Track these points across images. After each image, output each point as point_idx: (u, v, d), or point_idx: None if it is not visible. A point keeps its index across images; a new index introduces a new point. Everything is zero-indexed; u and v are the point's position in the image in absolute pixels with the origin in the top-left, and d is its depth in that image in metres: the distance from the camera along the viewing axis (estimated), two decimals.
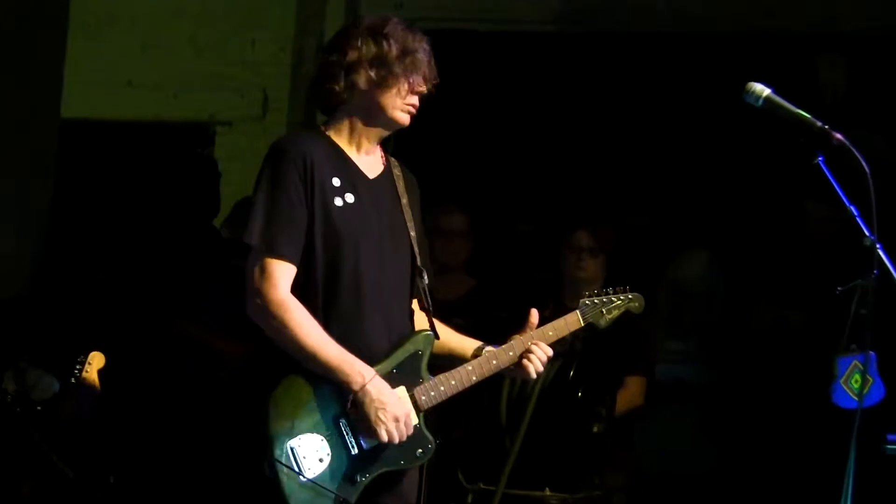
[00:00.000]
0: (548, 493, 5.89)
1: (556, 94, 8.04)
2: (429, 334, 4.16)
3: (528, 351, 4.21)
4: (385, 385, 3.98)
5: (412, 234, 4.19)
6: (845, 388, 4.36)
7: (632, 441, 6.43)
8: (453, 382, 4.12)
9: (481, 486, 5.97)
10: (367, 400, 3.94)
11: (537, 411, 5.83)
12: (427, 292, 4.21)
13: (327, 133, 4.14)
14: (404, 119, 4.13)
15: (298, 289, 3.99)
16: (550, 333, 4.28)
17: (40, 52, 7.53)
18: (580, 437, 5.94)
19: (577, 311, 4.36)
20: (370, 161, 4.18)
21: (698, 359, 6.95)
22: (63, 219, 7.88)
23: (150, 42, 8.75)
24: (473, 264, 6.97)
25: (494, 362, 4.19)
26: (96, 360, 5.47)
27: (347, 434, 3.99)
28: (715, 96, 6.64)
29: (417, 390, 4.08)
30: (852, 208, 3.72)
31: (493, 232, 7.64)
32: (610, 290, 4.42)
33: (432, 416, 4.14)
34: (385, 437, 3.96)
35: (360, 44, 4.06)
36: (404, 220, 4.19)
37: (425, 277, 4.20)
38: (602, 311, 4.39)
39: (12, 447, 5.85)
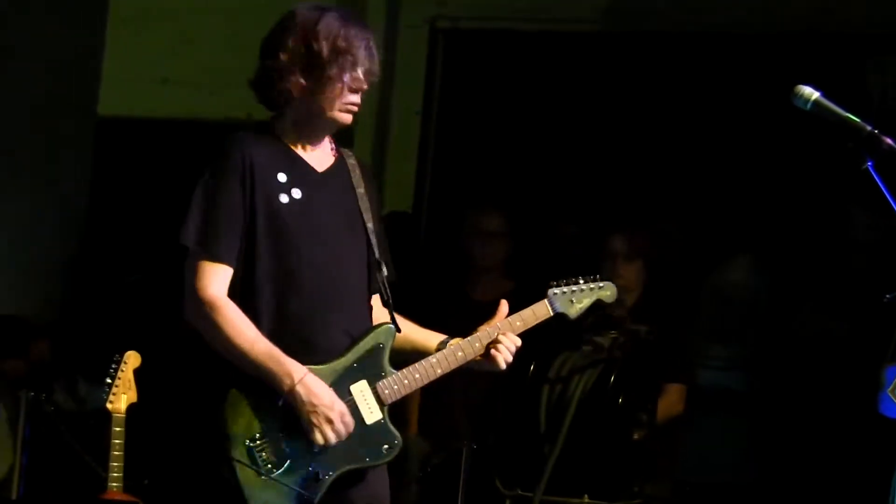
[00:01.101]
0: (586, 500, 5.84)
1: (598, 95, 7.97)
2: (389, 327, 4.03)
3: (496, 342, 4.08)
4: (317, 383, 3.85)
5: (369, 225, 4.07)
6: (893, 397, 4.29)
7: (674, 449, 6.35)
8: (417, 376, 4.01)
9: (519, 492, 5.92)
10: (296, 402, 3.83)
11: (577, 418, 5.78)
12: (386, 285, 4.09)
13: (274, 130, 4.03)
14: (345, 118, 4.02)
15: (242, 292, 3.88)
16: (518, 324, 4.13)
17: (79, 48, 7.53)
18: (620, 444, 5.88)
19: (546, 301, 4.20)
20: (318, 155, 4.07)
21: (741, 365, 6.87)
22: (99, 217, 7.87)
23: (187, 38, 8.73)
24: (512, 266, 6.90)
25: (460, 354, 4.06)
26: (132, 360, 5.45)
27: (304, 433, 3.89)
28: (762, 98, 6.55)
29: (380, 384, 3.97)
30: None
31: (533, 234, 7.57)
32: (580, 277, 4.27)
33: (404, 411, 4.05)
34: (319, 440, 3.85)
35: (290, 45, 3.96)
36: (359, 211, 4.07)
37: (384, 270, 4.08)
38: (571, 301, 4.25)
39: (50, 450, 5.84)
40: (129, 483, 5.36)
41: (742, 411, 6.77)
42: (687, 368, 6.43)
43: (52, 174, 7.33)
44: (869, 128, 3.67)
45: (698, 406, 6.46)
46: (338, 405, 3.87)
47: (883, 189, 3.65)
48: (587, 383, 5.81)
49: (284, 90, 3.94)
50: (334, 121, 4.01)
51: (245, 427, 3.85)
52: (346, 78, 3.94)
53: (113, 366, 5.38)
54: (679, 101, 7.84)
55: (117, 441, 5.27)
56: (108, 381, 5.36)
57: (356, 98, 3.99)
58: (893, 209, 3.65)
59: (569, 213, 7.84)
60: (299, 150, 4.03)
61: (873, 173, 3.65)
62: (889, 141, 3.62)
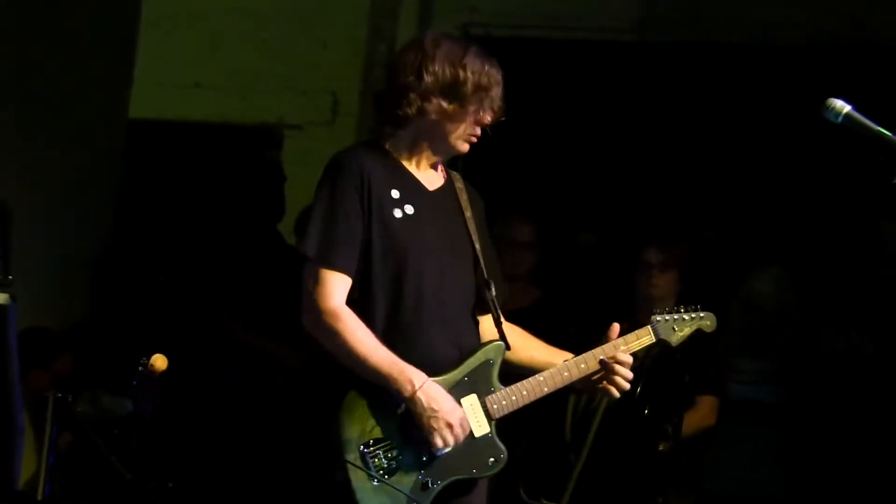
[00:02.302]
0: None
1: (629, 105, 7.95)
2: (500, 344, 4.14)
3: (608, 369, 4.18)
4: (437, 390, 3.97)
5: (477, 245, 4.18)
6: None
7: (701, 462, 6.32)
8: (525, 392, 4.11)
9: (543, 501, 5.89)
10: (417, 408, 3.93)
11: (602, 428, 5.75)
12: (496, 304, 4.18)
13: (387, 147, 4.14)
14: (464, 148, 4.14)
15: (358, 302, 4.00)
16: (623, 348, 4.23)
17: (111, 50, 7.54)
18: (645, 455, 5.85)
19: (649, 326, 4.33)
20: (429, 175, 4.18)
21: (772, 379, 6.83)
22: (128, 219, 7.88)
23: (219, 43, 8.74)
24: (539, 275, 6.90)
25: (566, 374, 4.16)
26: (158, 363, 5.45)
27: (419, 441, 3.99)
28: (793, 110, 6.52)
29: (489, 399, 4.07)
30: None
31: (560, 243, 7.56)
32: (681, 307, 4.40)
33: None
34: (439, 444, 3.95)
35: (436, 69, 4.05)
36: (468, 231, 4.18)
37: (493, 289, 4.17)
38: (674, 328, 4.36)
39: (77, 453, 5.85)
40: (153, 486, 5.36)
41: (771, 425, 6.74)
42: (719, 380, 6.40)
43: (82, 175, 7.33)
44: None
45: (727, 419, 6.43)
46: (458, 411, 3.98)
47: None
48: None
49: (419, 110, 4.04)
50: (454, 148, 4.13)
51: (360, 432, 3.95)
52: (480, 113, 4.07)
53: (139, 367, 5.38)
54: (711, 111, 7.82)
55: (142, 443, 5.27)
56: (134, 383, 5.36)
57: (478, 131, 4.11)
58: None
59: (596, 224, 7.83)
60: (412, 168, 4.14)
61: None
62: None
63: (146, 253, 7.60)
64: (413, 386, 3.92)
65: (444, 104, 4.03)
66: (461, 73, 4.03)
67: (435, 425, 3.93)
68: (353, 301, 4.00)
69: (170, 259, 7.12)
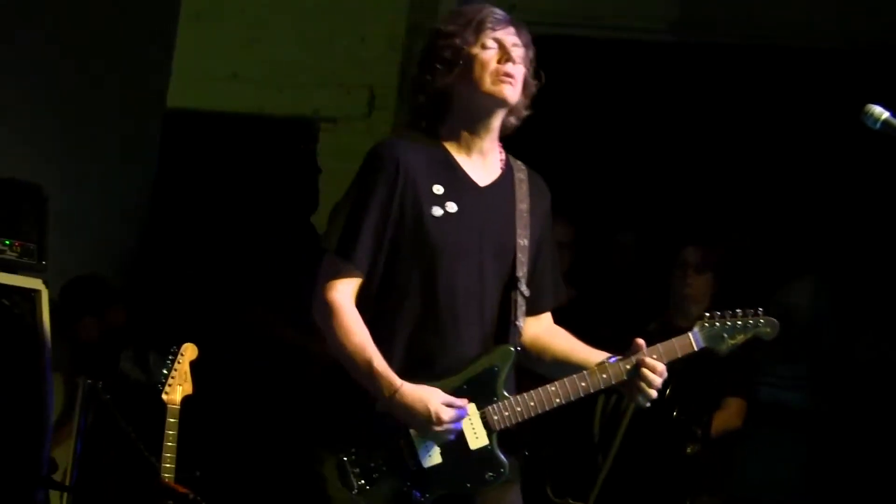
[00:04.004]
0: None
1: (668, 105, 7.91)
2: (508, 349, 3.90)
3: (637, 376, 3.91)
4: (413, 391, 3.75)
5: (519, 242, 3.97)
6: None
7: (730, 465, 6.30)
8: (532, 403, 3.87)
9: (570, 501, 5.89)
10: (396, 412, 3.76)
11: (630, 429, 5.74)
12: (516, 304, 3.95)
13: (441, 137, 3.96)
14: (501, 91, 3.89)
15: (383, 299, 3.87)
16: (655, 356, 3.94)
17: (151, 40, 7.57)
18: (674, 457, 5.83)
19: (690, 334, 4.01)
20: (485, 166, 3.99)
21: (804, 384, 6.80)
22: (164, 207, 7.91)
23: (257, 35, 8.76)
24: (575, 274, 6.88)
25: (583, 384, 3.91)
26: (189, 352, 5.46)
27: (405, 451, 3.82)
28: (833, 115, 6.49)
29: (489, 409, 3.85)
30: None
31: (599, 242, 7.54)
32: (738, 311, 4.05)
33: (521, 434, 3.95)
34: (434, 429, 3.75)
35: (429, 47, 3.94)
36: (514, 228, 3.97)
37: (521, 288, 3.96)
38: (723, 336, 4.02)
39: (105, 435, 5.87)
40: (181, 475, 5.37)
41: (802, 431, 6.72)
42: (746, 382, 6.36)
43: (119, 163, 7.36)
44: None
45: (758, 423, 6.40)
46: (437, 395, 3.76)
47: None
48: None
49: (432, 91, 3.92)
50: (491, 95, 3.89)
51: (341, 440, 3.80)
52: (483, 43, 3.89)
53: (170, 357, 5.40)
54: (750, 114, 7.79)
55: (171, 432, 5.28)
56: (165, 371, 5.37)
57: (508, 67, 3.88)
58: None
59: (629, 221, 7.81)
60: (463, 161, 3.96)
61: None
62: None
63: (180, 244, 7.62)
64: (390, 391, 3.74)
65: (443, 65, 3.88)
66: (445, 31, 3.90)
67: (419, 426, 3.77)
68: (376, 302, 3.85)
69: (204, 250, 7.13)
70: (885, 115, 3.70)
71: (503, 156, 4.04)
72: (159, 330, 6.38)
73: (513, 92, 3.90)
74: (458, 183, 3.92)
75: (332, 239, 3.87)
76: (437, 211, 3.86)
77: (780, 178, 7.67)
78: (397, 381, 3.76)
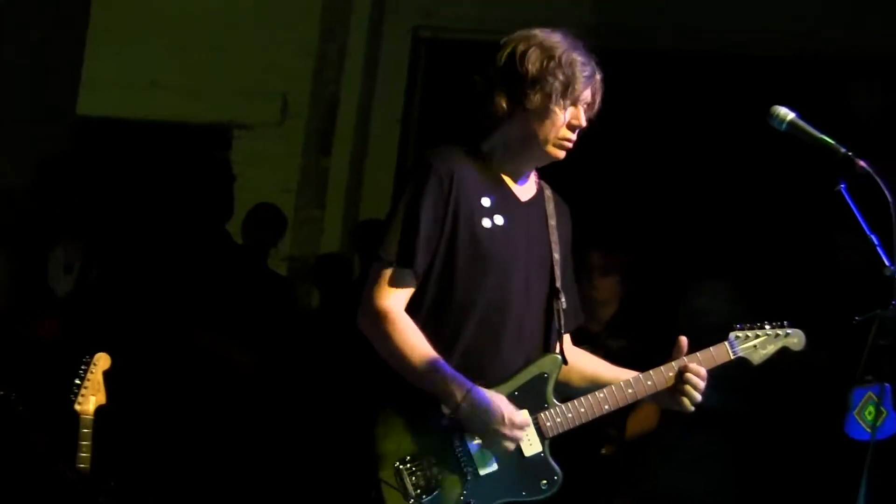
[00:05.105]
0: None
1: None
2: (556, 357, 3.89)
3: (682, 380, 3.98)
4: (483, 394, 3.69)
5: (556, 255, 3.95)
6: (858, 419, 4.28)
7: (645, 466, 6.32)
8: (582, 410, 3.86)
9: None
10: (464, 417, 3.68)
11: None
12: (561, 314, 3.94)
13: (483, 150, 3.90)
14: (557, 155, 3.89)
15: (437, 309, 3.80)
16: (695, 363, 4.03)
17: (57, 49, 7.50)
18: (589, 459, 5.84)
19: (726, 343, 4.10)
20: (525, 184, 3.97)
21: (720, 385, 6.82)
22: None
23: (173, 43, 8.72)
24: None
25: (630, 391, 3.93)
26: (102, 362, 5.41)
27: (461, 458, 3.74)
28: (748, 121, 6.55)
29: (542, 416, 3.82)
30: (873, 237, 3.62)
31: None
32: (766, 323, 4.15)
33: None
34: (505, 447, 3.71)
35: (525, 65, 3.81)
36: (550, 242, 3.96)
37: (562, 300, 3.94)
38: (755, 346, 4.13)
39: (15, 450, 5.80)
40: (96, 485, 5.32)
41: (717, 431, 6.75)
42: None
43: (27, 173, 7.28)
44: (843, 150, 3.67)
45: (672, 424, 6.43)
46: (509, 407, 3.71)
47: (855, 211, 3.65)
48: None
49: (506, 109, 3.82)
50: (546, 154, 3.89)
51: (396, 447, 3.71)
52: (560, 107, 3.83)
53: (82, 367, 5.34)
54: (661, 120, 7.84)
55: (84, 443, 5.23)
56: (77, 381, 5.31)
57: (573, 136, 3.88)
58: (866, 231, 3.64)
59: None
60: (506, 176, 3.92)
61: (846, 195, 3.65)
62: (863, 163, 3.62)
63: (93, 253, 7.55)
64: (457, 396, 3.67)
65: (532, 100, 3.79)
66: (542, 59, 3.81)
67: (489, 430, 3.69)
68: (429, 310, 3.79)
69: (118, 259, 7.06)
70: (791, 116, 3.73)
71: (536, 176, 4.03)
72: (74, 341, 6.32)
73: (565, 154, 3.90)
74: (504, 196, 3.89)
75: (389, 248, 3.76)
76: (487, 223, 3.82)
77: (699, 186, 7.72)
78: (468, 383, 3.69)
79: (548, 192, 4.03)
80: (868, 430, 4.09)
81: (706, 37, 7.97)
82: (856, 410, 4.22)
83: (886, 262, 3.59)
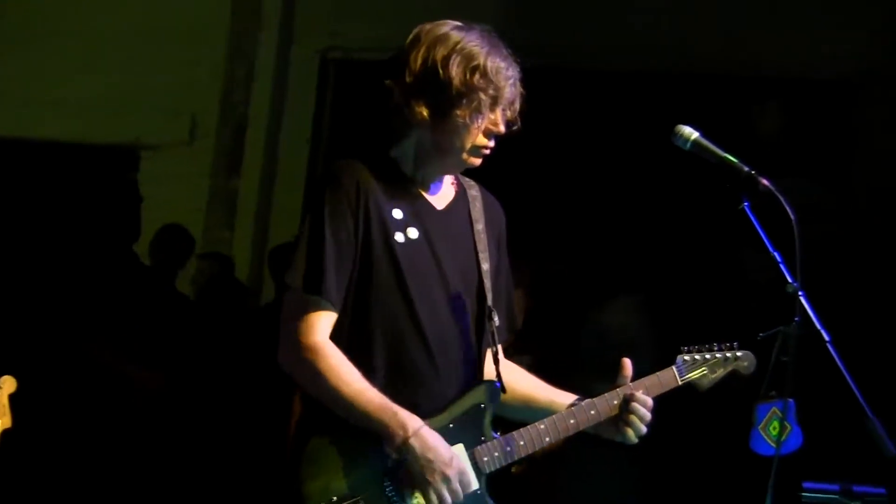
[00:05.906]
0: None
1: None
2: (491, 385, 3.61)
3: (626, 410, 3.72)
4: (434, 437, 3.41)
5: (483, 266, 3.68)
6: (763, 434, 4.31)
7: (555, 484, 6.35)
8: (522, 443, 3.60)
9: None
10: (409, 457, 3.40)
11: None
12: (496, 336, 3.67)
13: (392, 157, 3.63)
14: (474, 163, 3.61)
15: (353, 339, 3.50)
16: (640, 391, 3.77)
17: None
18: (498, 478, 5.84)
19: (673, 368, 3.89)
20: (440, 189, 3.69)
21: None
22: None
23: (79, 60, 8.65)
24: None
25: (572, 421, 3.69)
26: (7, 385, 5.34)
27: (391, 496, 3.45)
28: (653, 138, 6.61)
29: (478, 450, 3.55)
30: (776, 254, 3.67)
31: None
32: (714, 345, 3.97)
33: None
34: (434, 502, 3.40)
35: (448, 71, 3.50)
36: (476, 251, 3.68)
37: (495, 318, 3.67)
38: (704, 370, 3.90)
39: None
40: None
41: (626, 448, 6.78)
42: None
43: None
44: (747, 168, 3.71)
45: (581, 441, 6.45)
46: (456, 462, 3.44)
47: (758, 229, 3.70)
48: None
49: (410, 112, 3.53)
50: (462, 163, 3.61)
51: (324, 486, 3.43)
52: (481, 120, 3.55)
53: None
54: (569, 137, 7.87)
55: None
56: None
57: (491, 143, 3.61)
58: (768, 248, 3.69)
59: None
60: (418, 183, 3.63)
61: (749, 213, 3.69)
62: (766, 182, 3.66)
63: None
64: (406, 431, 3.39)
65: (457, 113, 3.50)
66: (472, 80, 3.50)
67: (430, 478, 3.38)
68: (347, 338, 3.49)
69: (23, 281, 7.01)
70: (695, 135, 3.77)
71: (453, 176, 3.76)
72: None
73: (481, 161, 3.64)
74: (417, 207, 3.61)
75: (295, 274, 3.47)
76: (400, 237, 3.54)
77: (597, 199, 7.76)
78: (417, 421, 3.42)
79: (472, 192, 3.76)
80: (773, 445, 4.12)
81: (611, 54, 8.02)
82: (760, 426, 4.25)
83: (789, 279, 3.64)
